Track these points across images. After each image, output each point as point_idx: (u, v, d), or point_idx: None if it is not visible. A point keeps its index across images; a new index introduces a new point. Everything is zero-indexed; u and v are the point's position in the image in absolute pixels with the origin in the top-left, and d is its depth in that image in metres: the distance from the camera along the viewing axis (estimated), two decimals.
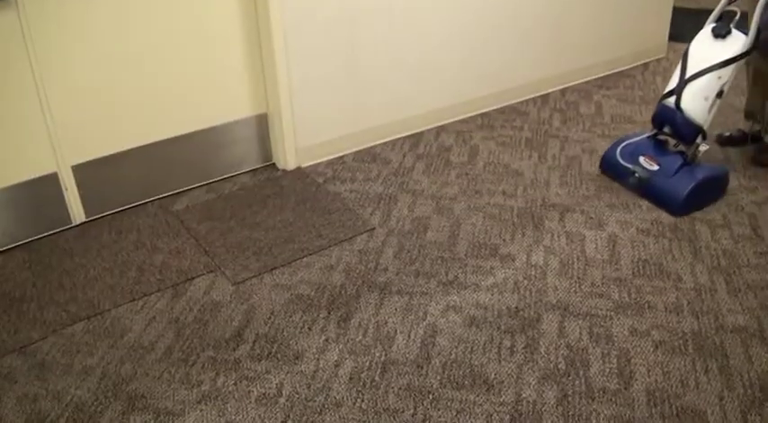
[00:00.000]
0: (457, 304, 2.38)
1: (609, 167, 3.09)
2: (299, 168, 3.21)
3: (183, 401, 2.03)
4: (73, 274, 2.54)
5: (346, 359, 2.16)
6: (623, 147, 3.03)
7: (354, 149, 3.36)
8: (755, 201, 2.91)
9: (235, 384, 2.08)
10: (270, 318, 2.34)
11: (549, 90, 3.96)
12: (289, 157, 3.17)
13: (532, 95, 3.90)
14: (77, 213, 2.81)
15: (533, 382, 2.07)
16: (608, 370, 2.11)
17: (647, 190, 2.91)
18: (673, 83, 2.87)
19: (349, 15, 3.02)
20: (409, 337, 2.25)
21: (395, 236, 2.74)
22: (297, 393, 2.05)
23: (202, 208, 2.92)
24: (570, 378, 2.08)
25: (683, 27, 4.41)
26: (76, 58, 2.56)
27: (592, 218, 2.82)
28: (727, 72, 2.74)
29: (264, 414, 1.98)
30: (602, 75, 4.15)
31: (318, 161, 3.27)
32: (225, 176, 3.14)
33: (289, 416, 1.97)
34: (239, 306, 2.39)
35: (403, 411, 1.98)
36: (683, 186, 2.79)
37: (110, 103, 2.71)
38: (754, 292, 2.41)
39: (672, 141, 2.93)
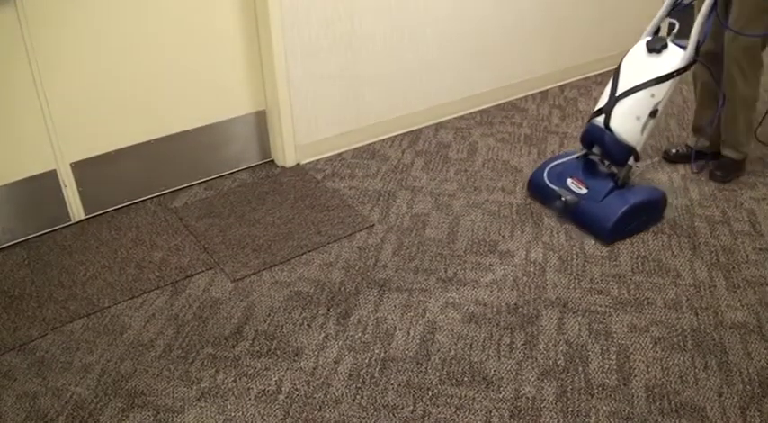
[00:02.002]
0: (456, 301, 2.38)
1: (536, 190, 2.88)
2: (297, 165, 3.21)
3: (182, 398, 2.03)
4: (72, 272, 2.54)
5: (346, 356, 2.16)
6: (551, 168, 2.81)
7: (353, 146, 3.36)
8: (754, 197, 2.91)
9: (234, 381, 2.08)
10: (269, 315, 2.34)
11: (548, 86, 3.96)
12: (288, 154, 3.17)
13: (531, 92, 3.89)
14: (76, 211, 2.81)
15: (533, 379, 2.07)
16: (607, 366, 2.11)
17: (574, 215, 2.71)
18: (603, 100, 2.66)
19: (348, 12, 3.02)
20: (408, 333, 2.25)
21: (394, 233, 2.74)
22: (296, 390, 2.05)
23: (201, 205, 2.92)
24: (569, 374, 2.08)
25: (683, 23, 4.40)
26: (75, 55, 2.56)
27: None
28: (661, 90, 2.54)
29: (264, 411, 1.98)
30: (601, 71, 4.15)
31: (317, 158, 3.26)
32: (224, 173, 3.14)
33: (288, 412, 1.98)
34: (238, 303, 2.39)
35: (402, 408, 1.98)
36: (612, 213, 2.59)
37: (108, 100, 2.70)
38: (753, 289, 2.41)
39: (606, 161, 2.73)
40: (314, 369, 2.12)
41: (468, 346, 2.19)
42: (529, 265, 2.54)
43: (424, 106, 3.51)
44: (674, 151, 3.17)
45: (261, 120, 3.14)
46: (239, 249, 2.64)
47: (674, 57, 2.55)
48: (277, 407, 1.99)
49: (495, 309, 2.34)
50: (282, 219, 2.81)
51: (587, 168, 2.75)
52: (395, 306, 2.36)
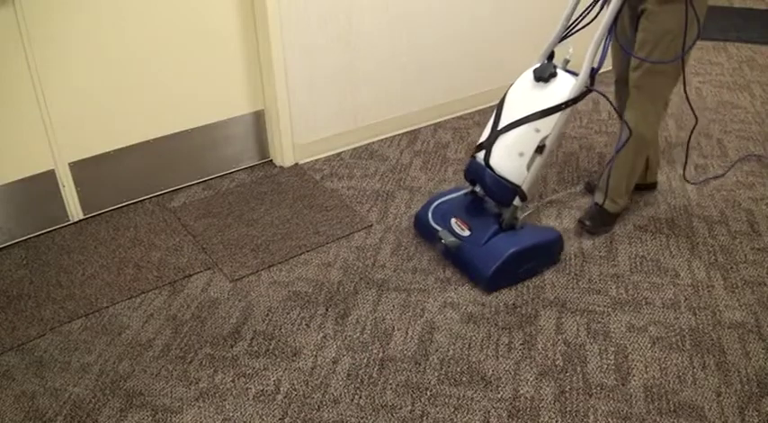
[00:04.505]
0: (454, 301, 2.38)
1: (420, 228, 2.65)
2: (296, 165, 3.21)
3: (180, 399, 2.03)
4: (70, 272, 2.54)
5: (344, 356, 2.16)
6: (438, 204, 2.56)
7: (352, 146, 3.36)
8: (752, 197, 2.91)
9: (233, 381, 2.08)
10: (267, 315, 2.34)
11: None
12: (286, 154, 3.17)
13: None
14: (75, 211, 2.81)
15: (531, 379, 2.07)
16: (605, 366, 2.11)
17: (456, 259, 2.47)
18: (485, 134, 2.40)
19: (346, 11, 3.02)
20: (407, 333, 2.25)
21: (392, 232, 2.74)
22: (295, 390, 2.05)
23: (200, 205, 2.92)
24: (568, 374, 2.09)
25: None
26: (73, 55, 2.56)
27: None
28: (547, 124, 2.25)
29: (262, 411, 1.98)
30: (600, 71, 4.14)
31: (316, 158, 3.26)
32: (222, 173, 3.14)
33: (287, 412, 1.98)
34: (237, 303, 2.39)
35: (401, 408, 1.98)
36: (492, 259, 2.33)
37: (107, 100, 2.70)
38: (752, 288, 2.42)
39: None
40: (312, 369, 2.12)
41: (467, 345, 2.20)
42: None
43: (423, 106, 3.51)
44: (596, 182, 2.81)
45: (259, 119, 3.14)
46: (237, 249, 2.64)
47: (564, 86, 2.27)
48: (275, 407, 1.99)
49: (493, 309, 2.34)
50: (281, 219, 2.81)
51: (473, 208, 2.50)
52: (393, 306, 2.36)
